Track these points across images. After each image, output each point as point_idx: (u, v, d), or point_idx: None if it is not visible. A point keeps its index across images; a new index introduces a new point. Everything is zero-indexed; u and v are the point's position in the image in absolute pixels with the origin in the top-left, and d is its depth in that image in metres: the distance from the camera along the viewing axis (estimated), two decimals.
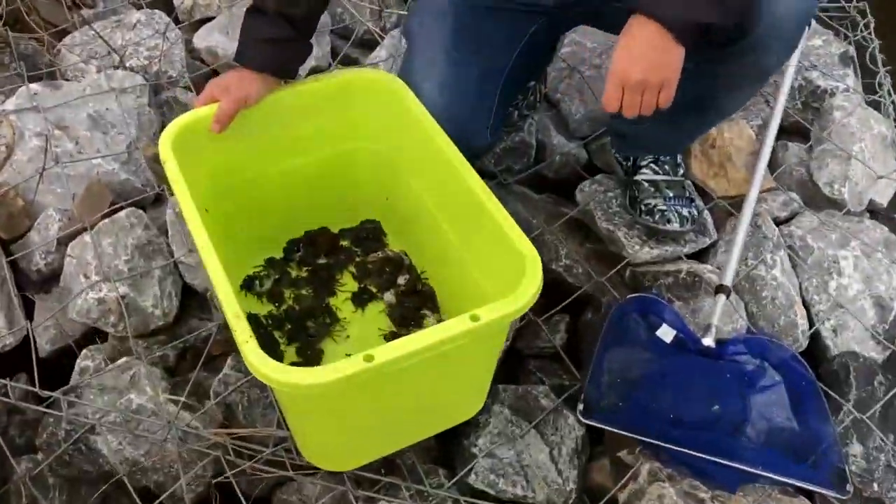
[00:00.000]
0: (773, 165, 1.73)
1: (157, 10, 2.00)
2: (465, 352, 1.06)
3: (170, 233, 1.53)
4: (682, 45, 1.06)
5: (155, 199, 1.66)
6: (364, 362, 0.94)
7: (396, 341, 0.98)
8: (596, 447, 1.38)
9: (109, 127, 1.68)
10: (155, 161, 1.62)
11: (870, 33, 1.95)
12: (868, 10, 2.01)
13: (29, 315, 1.52)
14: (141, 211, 1.55)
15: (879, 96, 1.83)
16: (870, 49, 1.91)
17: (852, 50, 1.91)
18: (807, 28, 1.21)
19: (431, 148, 1.26)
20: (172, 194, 1.55)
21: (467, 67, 1.34)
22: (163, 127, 1.77)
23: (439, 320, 1.40)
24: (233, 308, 0.99)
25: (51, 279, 1.57)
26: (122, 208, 1.55)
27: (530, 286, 1.02)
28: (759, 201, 1.60)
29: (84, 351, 1.45)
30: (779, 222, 1.64)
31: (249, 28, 1.28)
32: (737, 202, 1.61)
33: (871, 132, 1.71)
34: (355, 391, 1.01)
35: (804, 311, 1.48)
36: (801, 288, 1.52)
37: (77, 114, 1.68)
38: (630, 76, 1.07)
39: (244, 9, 1.96)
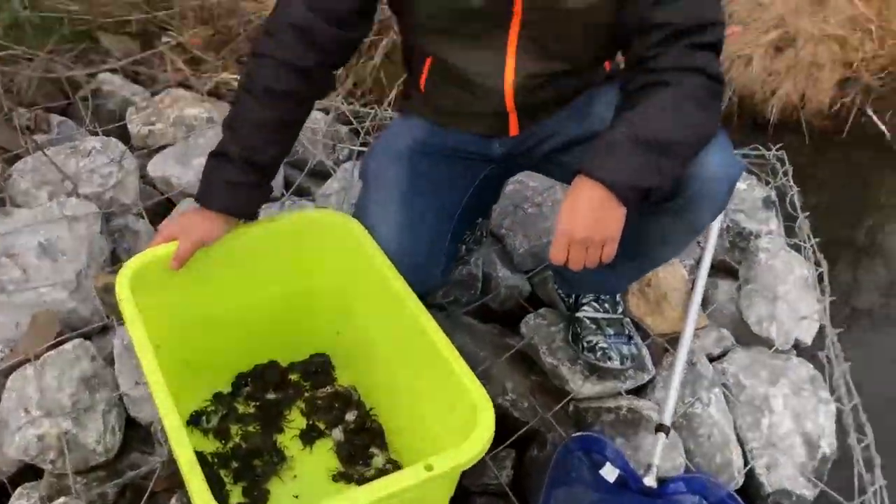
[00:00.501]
0: (705, 303, 1.82)
1: (112, 138, 2.04)
2: (417, 499, 1.07)
3: (116, 365, 1.52)
4: (624, 205, 1.14)
5: (102, 329, 1.66)
6: None
7: (349, 493, 0.98)
8: None
9: (59, 255, 1.68)
10: (105, 291, 1.62)
11: (788, 180, 2.11)
12: (786, 159, 2.19)
13: None
14: (88, 342, 1.54)
15: (800, 240, 1.96)
16: (789, 195, 2.07)
17: (774, 195, 2.06)
18: (734, 188, 1.32)
19: (385, 287, 1.30)
20: (121, 324, 1.56)
21: (422, 211, 1.40)
22: (113, 254, 1.80)
23: (388, 459, 1.41)
24: (187, 459, 0.99)
25: None
26: (68, 339, 1.53)
27: (483, 435, 1.05)
28: (694, 338, 1.69)
29: (18, 489, 1.40)
30: (712, 359, 1.72)
31: (213, 170, 1.32)
32: (673, 339, 1.68)
33: (793, 274, 1.83)
34: None
35: (739, 449, 1.54)
36: (735, 425, 1.58)
37: (27, 241, 1.68)
38: (575, 233, 1.15)
39: (199, 139, 2.06)
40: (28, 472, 1.46)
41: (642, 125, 1.15)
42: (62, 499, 1.36)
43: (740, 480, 1.51)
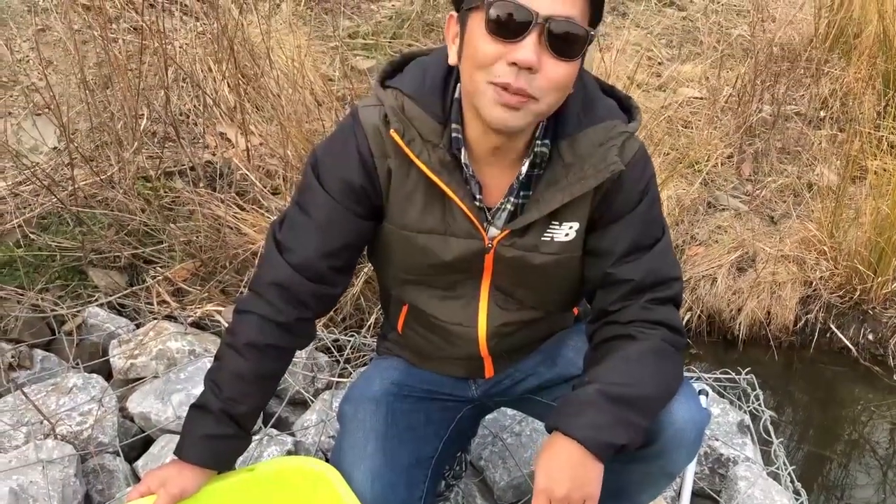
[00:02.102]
0: None
1: (94, 375, 2.06)
2: None
3: None
4: (600, 461, 1.17)
5: None
6: None
7: None
8: None
9: (31, 501, 1.65)
10: None
11: (760, 405, 2.16)
12: (756, 383, 2.24)
13: None
14: None
15: (777, 467, 1.97)
16: (762, 420, 2.10)
17: (748, 419, 2.10)
18: (703, 434, 1.35)
19: None
20: None
21: (398, 456, 1.41)
22: (87, 496, 1.77)
23: None
24: None
25: None
26: None
27: None
28: None
29: None
30: None
31: (192, 424, 1.33)
32: None
33: None
34: None
35: None
36: None
37: None
38: (554, 492, 1.16)
39: (180, 374, 2.09)
40: None
41: (612, 382, 1.21)
42: None
43: None
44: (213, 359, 1.37)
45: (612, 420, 1.18)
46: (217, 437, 1.32)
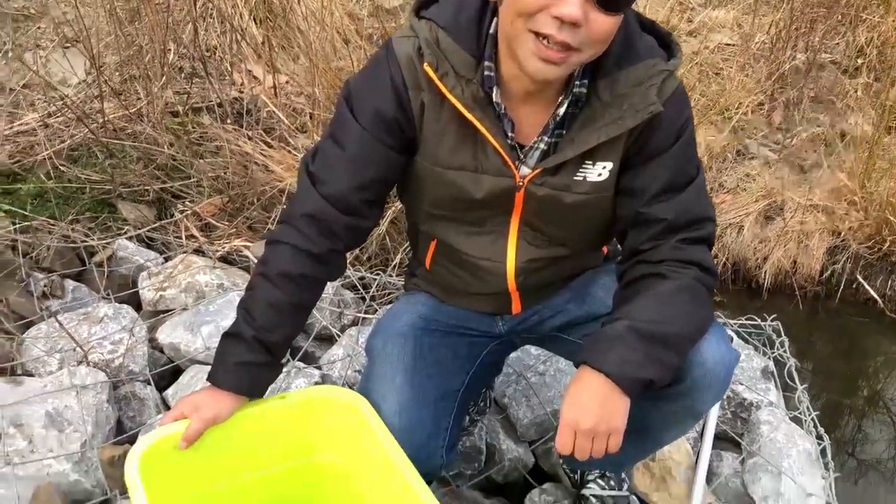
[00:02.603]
0: (710, 477, 1.82)
1: (124, 305, 2.09)
2: None
3: None
4: (628, 396, 1.18)
5: (102, 503, 1.64)
6: None
7: None
8: None
9: (66, 425, 1.69)
10: (109, 465, 1.62)
11: (785, 351, 2.16)
12: (781, 329, 2.24)
13: None
14: None
15: (800, 412, 1.98)
16: (787, 366, 2.10)
17: (772, 365, 2.10)
18: (731, 375, 1.35)
19: (388, 467, 1.30)
20: (124, 497, 1.55)
21: (425, 389, 1.42)
22: (119, 422, 1.81)
23: None
24: None
25: None
26: None
27: None
28: None
29: None
30: None
31: (225, 350, 1.35)
32: None
33: (796, 448, 1.83)
34: None
35: None
36: None
37: (35, 411, 1.69)
38: (580, 424, 1.17)
39: (209, 306, 2.12)
40: None
41: (642, 319, 1.21)
42: None
43: None
44: (244, 289, 1.38)
45: (641, 356, 1.18)
46: (250, 364, 1.34)
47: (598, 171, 1.30)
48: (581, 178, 1.30)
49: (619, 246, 1.44)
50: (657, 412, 1.35)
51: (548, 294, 1.50)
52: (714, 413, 1.84)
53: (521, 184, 1.30)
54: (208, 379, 1.36)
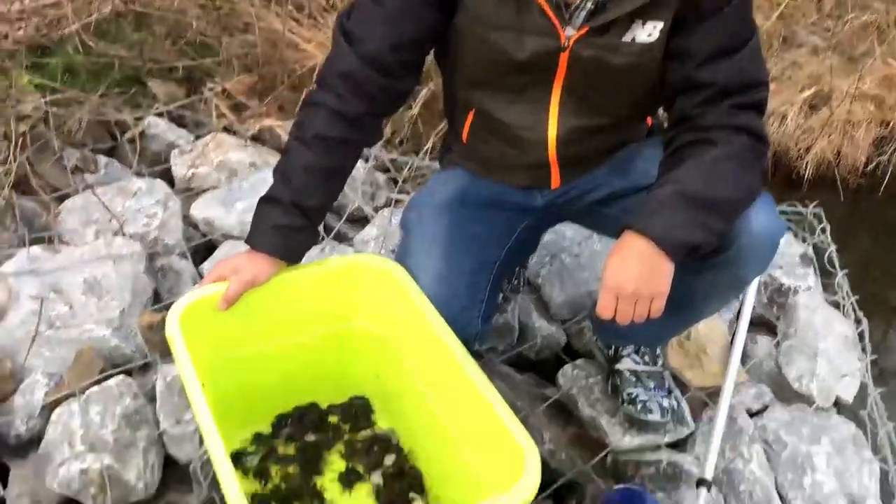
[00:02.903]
0: (744, 358, 1.81)
1: (157, 180, 2.08)
2: None
3: (158, 402, 1.54)
4: (672, 260, 1.15)
5: (143, 366, 1.67)
6: None
7: None
8: None
9: (104, 292, 1.71)
10: (148, 329, 1.64)
11: (826, 237, 2.11)
12: (823, 216, 2.19)
13: (2, 482, 1.48)
14: (130, 379, 1.56)
15: (839, 297, 1.96)
16: (827, 252, 2.07)
17: (811, 251, 2.06)
18: (778, 246, 1.32)
19: (426, 332, 1.31)
20: (164, 362, 1.58)
21: (461, 261, 1.41)
22: (156, 293, 1.83)
23: None
24: (237, 499, 0.99)
25: (29, 445, 1.54)
26: (111, 376, 1.55)
27: (530, 483, 1.05)
28: (733, 393, 1.67)
29: None
30: (751, 414, 1.70)
31: (262, 214, 1.34)
32: (712, 392, 1.67)
33: (833, 331, 1.82)
34: None
35: None
36: (776, 482, 1.56)
37: (73, 278, 1.71)
38: (623, 288, 1.15)
39: (242, 183, 2.10)
40: None
41: (690, 183, 1.17)
42: None
43: None
44: (280, 153, 1.36)
45: (687, 220, 1.15)
46: (287, 227, 1.33)
47: (648, 32, 1.23)
48: (629, 40, 1.24)
49: (664, 122, 1.39)
50: (700, 282, 1.33)
51: (589, 167, 1.46)
52: (751, 294, 1.82)
53: (566, 45, 1.24)
54: (246, 242, 1.36)
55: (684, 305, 1.41)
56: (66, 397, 1.52)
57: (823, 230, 2.13)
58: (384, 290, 1.41)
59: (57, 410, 1.50)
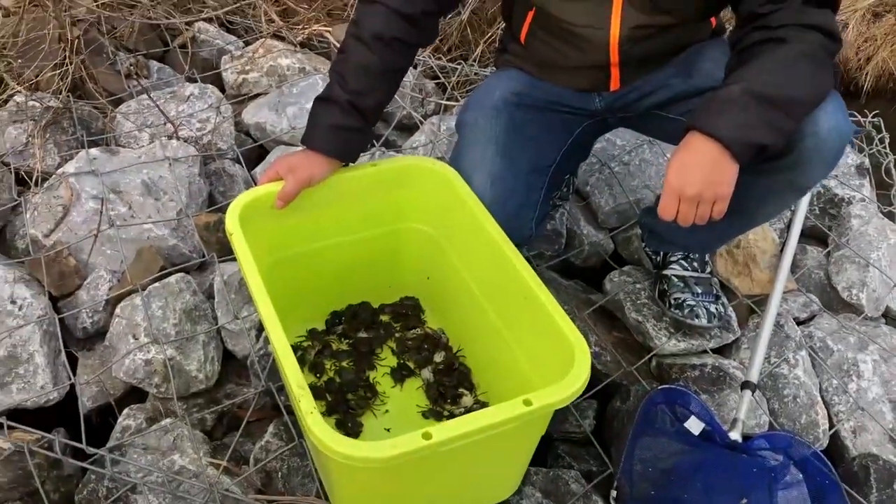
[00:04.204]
0: (793, 268, 1.81)
1: (209, 85, 2.10)
2: (512, 435, 1.11)
3: (216, 299, 1.59)
4: (738, 162, 1.13)
5: (200, 266, 1.73)
6: (423, 440, 0.98)
7: (452, 421, 1.02)
8: None
9: (161, 194, 1.76)
10: (205, 229, 1.69)
11: (884, 147, 2.06)
12: (882, 126, 2.13)
13: (71, 370, 1.56)
14: (189, 277, 1.61)
15: (894, 208, 1.92)
16: (885, 163, 2.02)
17: (868, 162, 2.02)
18: (844, 148, 1.28)
19: (479, 233, 1.33)
20: (221, 261, 1.63)
21: (517, 162, 1.41)
22: (210, 196, 1.87)
23: (476, 399, 1.45)
24: (297, 379, 1.04)
25: (94, 337, 1.62)
26: (170, 273, 1.61)
27: (580, 375, 1.07)
28: (781, 301, 1.67)
29: (126, 410, 1.48)
30: (799, 322, 1.71)
31: (319, 115, 1.36)
32: (759, 301, 1.68)
33: (887, 241, 1.79)
34: (408, 466, 1.05)
35: (825, 411, 1.53)
36: (821, 388, 1.58)
37: (132, 179, 1.75)
38: (686, 190, 1.14)
39: (293, 88, 2.11)
40: (133, 395, 1.54)
41: (758, 81, 1.14)
42: (168, 420, 1.43)
43: (825, 442, 1.50)
44: (326, 73, 1.36)
45: (756, 119, 1.12)
46: (343, 127, 1.34)
47: None
48: None
49: (726, 23, 1.35)
50: (760, 186, 1.30)
51: (650, 68, 1.42)
52: (804, 203, 1.79)
53: None
54: (302, 142, 1.38)
55: (740, 210, 1.38)
56: (129, 293, 1.58)
57: (881, 140, 2.08)
58: (437, 192, 1.43)
59: (120, 305, 1.56)
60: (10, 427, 1.40)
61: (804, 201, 1.80)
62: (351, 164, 1.42)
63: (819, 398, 1.54)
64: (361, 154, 1.44)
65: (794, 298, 1.75)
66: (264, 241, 1.37)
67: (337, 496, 1.26)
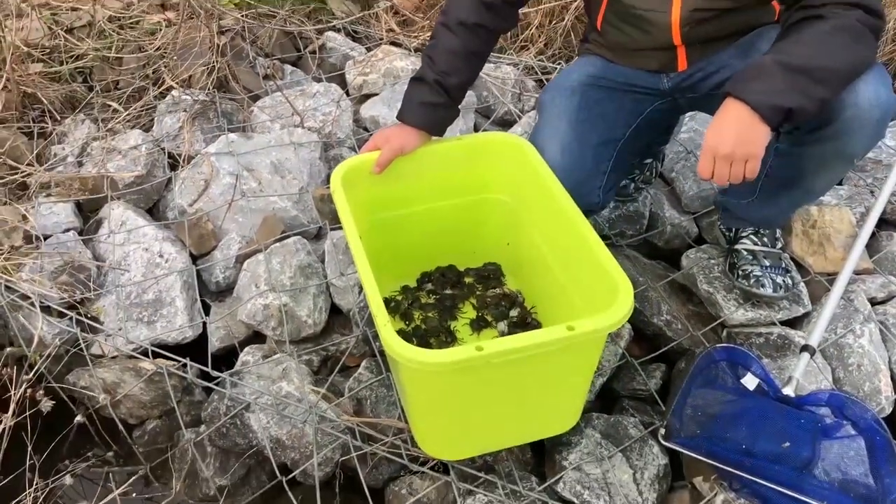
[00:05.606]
0: (874, 250, 1.84)
1: (333, 84, 2.38)
2: (561, 360, 1.26)
3: (326, 260, 1.83)
4: (768, 124, 1.24)
5: (316, 234, 1.98)
6: (475, 351, 1.15)
7: (501, 339, 1.19)
8: (678, 480, 1.51)
9: (286, 173, 2.02)
10: (321, 201, 1.94)
11: None
12: None
13: (206, 315, 1.83)
14: (305, 240, 1.86)
15: None
16: None
17: None
18: (888, 119, 1.34)
19: (550, 200, 1.48)
20: (333, 229, 1.86)
21: (587, 135, 1.56)
22: (328, 177, 2.12)
23: None
24: (376, 299, 1.23)
25: (225, 291, 1.89)
26: (290, 236, 1.86)
27: (623, 307, 1.20)
28: (857, 281, 1.72)
29: (247, 348, 1.74)
30: (875, 302, 1.74)
31: (411, 93, 1.57)
32: (833, 280, 1.72)
33: None
34: (466, 377, 1.22)
35: (889, 380, 1.56)
36: (889, 360, 1.61)
37: (262, 160, 2.03)
38: (719, 149, 1.27)
39: (405, 86, 2.34)
40: (253, 339, 1.80)
41: (789, 52, 1.25)
42: (278, 355, 1.67)
43: (888, 408, 1.54)
44: (429, 38, 1.57)
45: (783, 85, 1.22)
46: (431, 104, 1.55)
47: None
48: None
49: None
50: (805, 157, 1.40)
51: (713, 49, 1.54)
52: (889, 185, 1.81)
53: None
54: (397, 117, 1.59)
55: (793, 182, 1.48)
56: (254, 252, 1.84)
57: None
58: (513, 163, 1.60)
59: (247, 262, 1.83)
60: (154, 354, 1.68)
61: (889, 184, 1.82)
62: (439, 139, 1.62)
63: (884, 367, 1.58)
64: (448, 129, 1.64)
65: (873, 279, 1.78)
66: (365, 203, 1.58)
67: (412, 414, 1.44)
